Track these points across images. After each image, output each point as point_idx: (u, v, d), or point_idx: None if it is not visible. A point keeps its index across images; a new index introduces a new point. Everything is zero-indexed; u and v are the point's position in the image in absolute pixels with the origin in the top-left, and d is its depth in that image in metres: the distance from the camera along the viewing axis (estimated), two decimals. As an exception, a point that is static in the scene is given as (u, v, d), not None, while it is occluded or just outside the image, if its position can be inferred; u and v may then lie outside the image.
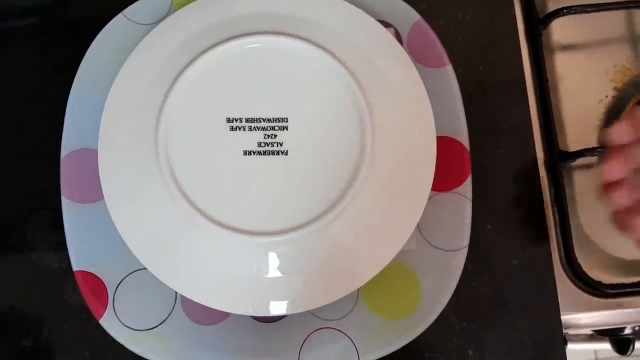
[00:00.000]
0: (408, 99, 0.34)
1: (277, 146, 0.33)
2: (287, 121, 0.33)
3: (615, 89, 0.43)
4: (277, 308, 0.32)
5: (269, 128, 0.33)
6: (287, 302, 0.32)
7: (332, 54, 0.33)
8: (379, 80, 0.34)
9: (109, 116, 0.34)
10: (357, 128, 0.32)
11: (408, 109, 0.34)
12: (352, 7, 0.36)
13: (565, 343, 0.58)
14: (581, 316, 0.40)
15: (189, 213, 0.31)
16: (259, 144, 0.32)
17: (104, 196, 0.33)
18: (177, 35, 0.34)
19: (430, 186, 0.33)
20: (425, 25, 0.38)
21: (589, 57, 0.44)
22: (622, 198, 0.29)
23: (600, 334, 0.54)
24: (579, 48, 0.44)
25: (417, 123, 0.33)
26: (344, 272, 0.32)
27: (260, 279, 0.32)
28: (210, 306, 0.32)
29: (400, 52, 0.35)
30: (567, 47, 0.44)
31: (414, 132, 0.33)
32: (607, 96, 0.43)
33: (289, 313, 0.32)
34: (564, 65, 0.43)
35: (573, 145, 0.42)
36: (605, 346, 0.55)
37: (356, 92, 0.33)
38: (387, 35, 0.35)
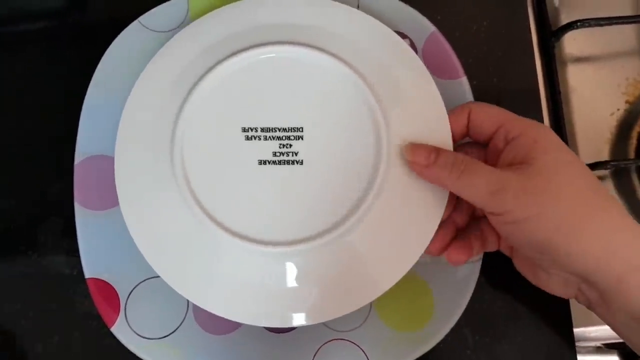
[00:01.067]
0: (424, 108, 0.34)
1: (292, 156, 0.32)
2: (302, 131, 0.33)
3: (627, 102, 0.43)
4: (293, 319, 0.32)
5: (284, 137, 0.33)
6: (303, 313, 0.32)
7: (347, 63, 0.33)
8: (395, 90, 0.34)
9: (126, 124, 0.33)
10: (373, 138, 0.32)
11: (424, 118, 0.33)
12: (368, 16, 0.36)
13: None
14: (592, 329, 0.40)
15: (204, 222, 0.31)
16: (274, 154, 0.32)
17: (120, 203, 0.32)
18: (193, 45, 0.34)
19: (447, 196, 0.33)
20: (440, 37, 0.38)
21: (601, 70, 0.44)
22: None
23: (608, 347, 0.54)
24: (592, 61, 0.44)
25: (434, 132, 0.33)
26: (361, 282, 0.32)
27: (275, 289, 0.32)
28: (224, 316, 0.32)
29: (415, 62, 0.35)
30: (579, 60, 0.44)
31: (430, 141, 0.33)
32: (619, 109, 0.43)
33: (305, 324, 0.32)
34: (576, 78, 0.43)
35: (585, 158, 0.41)
36: (613, 359, 0.54)
37: (371, 101, 0.33)
38: (403, 44, 0.35)
